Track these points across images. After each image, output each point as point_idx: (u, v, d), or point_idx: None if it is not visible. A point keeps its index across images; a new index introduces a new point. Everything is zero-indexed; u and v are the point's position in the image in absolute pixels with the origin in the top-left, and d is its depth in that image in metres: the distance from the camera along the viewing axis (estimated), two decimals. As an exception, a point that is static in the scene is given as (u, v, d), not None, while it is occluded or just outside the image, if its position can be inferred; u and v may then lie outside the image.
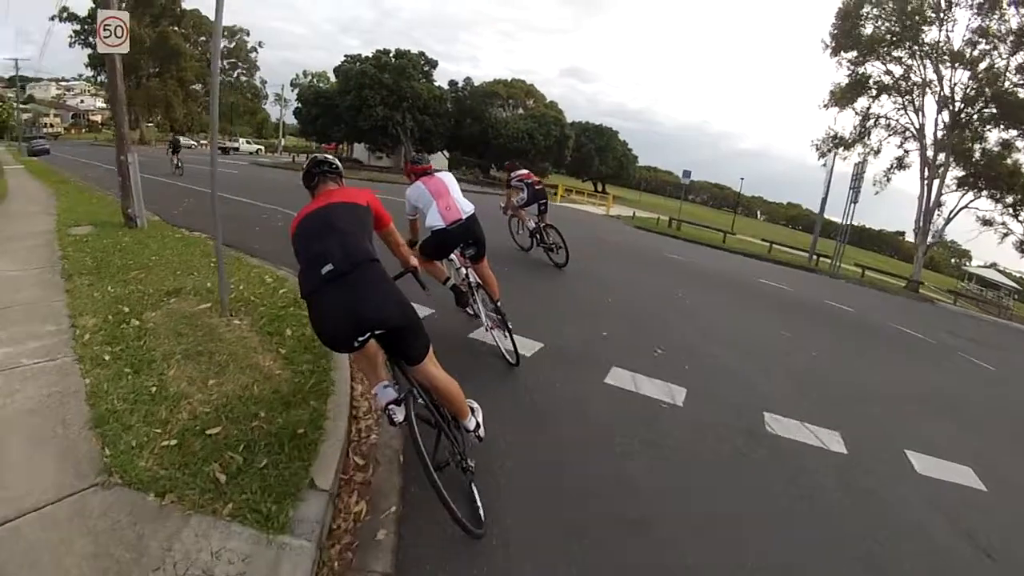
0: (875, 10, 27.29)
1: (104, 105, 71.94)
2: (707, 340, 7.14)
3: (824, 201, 27.57)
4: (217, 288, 5.26)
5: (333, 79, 46.97)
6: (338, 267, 2.45)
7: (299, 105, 46.36)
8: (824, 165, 28.40)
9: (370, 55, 42.96)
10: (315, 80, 46.74)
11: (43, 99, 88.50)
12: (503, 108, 47.91)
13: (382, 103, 39.51)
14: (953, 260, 68.17)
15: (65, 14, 54.38)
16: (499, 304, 4.73)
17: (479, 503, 2.86)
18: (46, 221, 9.80)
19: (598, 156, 57.04)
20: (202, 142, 60.10)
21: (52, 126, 77.15)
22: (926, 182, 27.74)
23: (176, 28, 59.37)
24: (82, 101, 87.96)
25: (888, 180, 29.63)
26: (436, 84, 44.31)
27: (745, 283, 13.99)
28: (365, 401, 3.95)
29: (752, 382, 5.88)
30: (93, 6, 52.16)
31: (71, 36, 55.59)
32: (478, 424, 3.05)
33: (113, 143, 10.46)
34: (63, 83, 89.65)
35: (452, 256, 4.86)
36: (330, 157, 3.10)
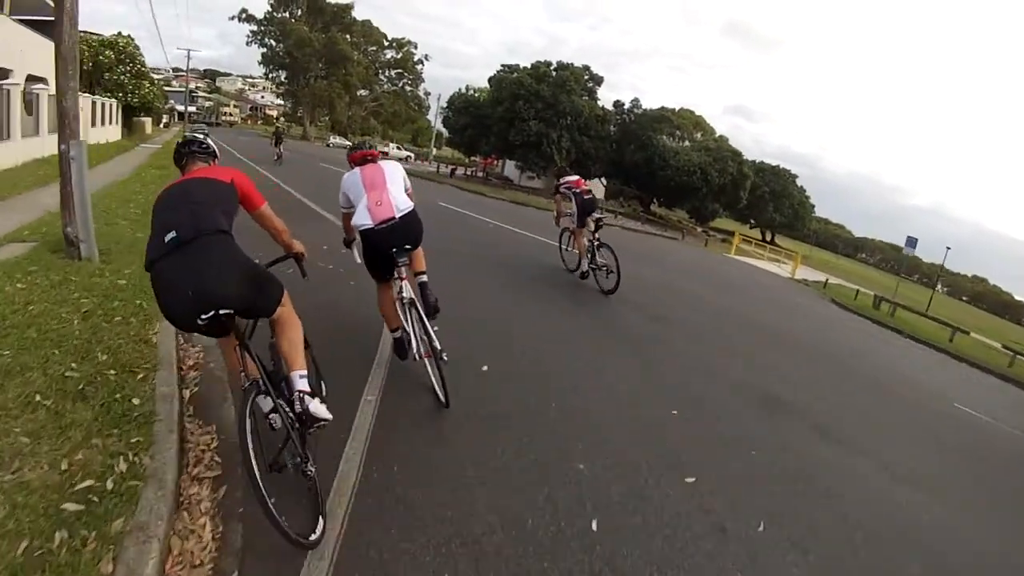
0: None
1: (280, 101, 76.72)
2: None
3: None
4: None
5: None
6: (181, 235, 2.30)
7: (449, 113, 43.46)
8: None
9: (528, 66, 38.94)
10: (475, 93, 43.23)
11: (228, 91, 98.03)
12: (671, 137, 41.94)
13: (537, 117, 35.14)
14: None
15: (244, 15, 58.73)
16: (426, 284, 4.12)
17: (323, 513, 2.53)
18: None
19: (772, 202, 49.13)
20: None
21: (231, 115, 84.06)
22: None
23: (347, 36, 61.50)
24: (262, 96, 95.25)
25: None
26: (599, 103, 39.34)
27: None
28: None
29: None
30: (269, 9, 58.92)
31: (248, 36, 59.91)
32: (309, 393, 2.53)
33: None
34: (249, 79, 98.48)
35: (397, 272, 3.86)
36: (200, 137, 3.01)
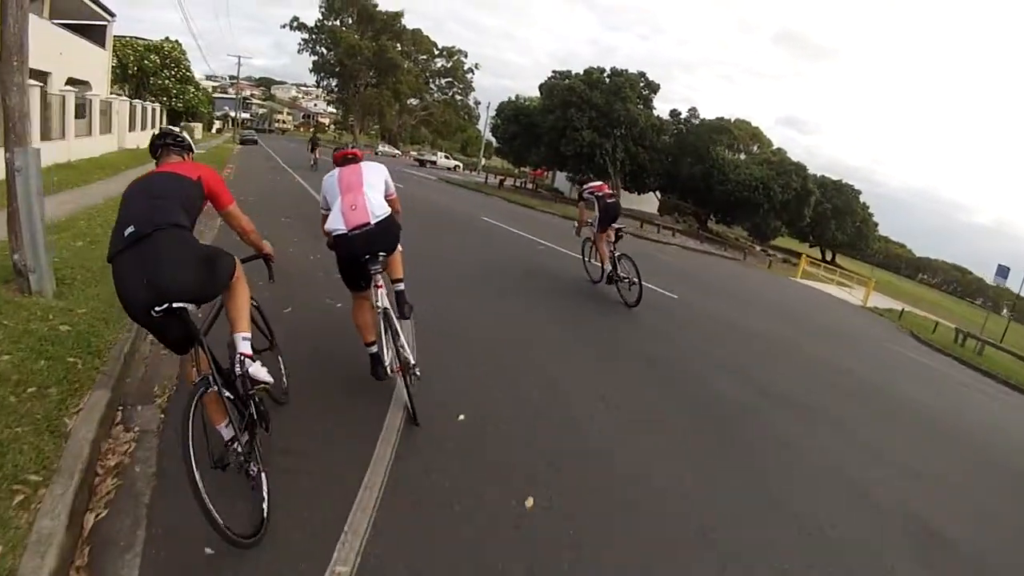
0: None
1: (332, 109, 77.65)
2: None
3: None
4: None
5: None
6: (138, 229, 2.34)
7: (498, 121, 41.83)
8: None
9: (581, 72, 36.67)
10: (525, 102, 41.63)
11: (282, 99, 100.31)
12: (729, 149, 39.40)
13: (590, 126, 33.14)
14: None
15: (296, 23, 59.37)
16: (402, 293, 3.95)
17: (265, 507, 2.52)
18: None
19: (835, 219, 45.75)
20: (411, 152, 62.11)
21: (284, 122, 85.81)
22: None
23: (397, 44, 61.44)
24: (315, 104, 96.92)
25: None
26: (655, 112, 37.19)
27: None
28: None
29: None
30: (320, 17, 59.22)
31: (300, 44, 60.51)
32: (250, 356, 2.55)
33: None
34: (302, 87, 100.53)
35: (373, 283, 3.61)
36: (176, 130, 3.05)
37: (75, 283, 5.00)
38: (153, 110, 25.31)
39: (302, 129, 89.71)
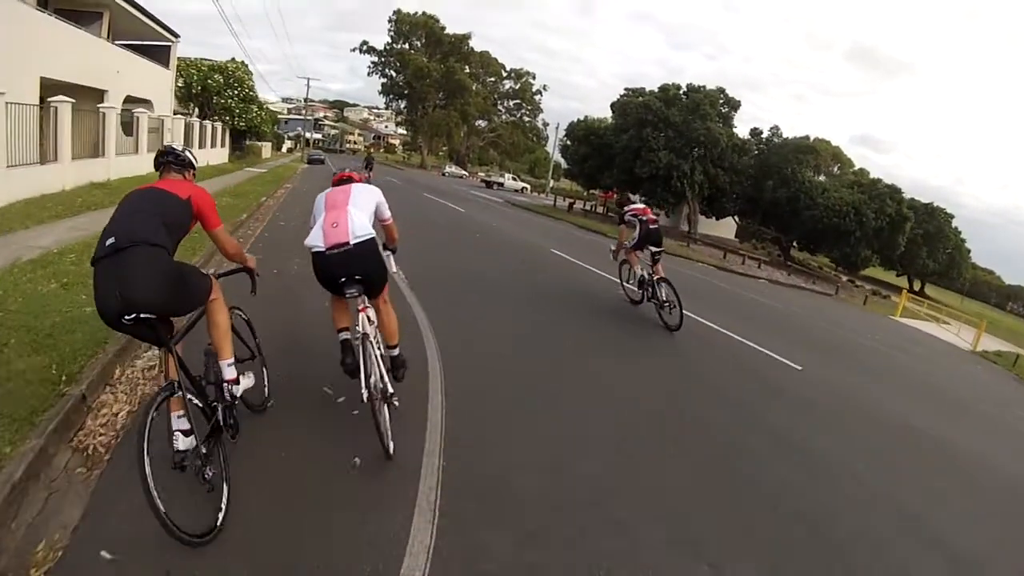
0: None
1: (403, 131, 78.86)
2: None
3: None
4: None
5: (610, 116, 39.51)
6: (117, 242, 2.44)
7: (568, 142, 39.83)
8: None
9: (655, 89, 34.24)
10: (596, 123, 39.64)
11: (354, 121, 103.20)
12: (814, 171, 35.78)
13: (666, 146, 30.60)
14: None
15: (365, 47, 60.85)
16: (397, 357, 3.87)
17: (222, 507, 2.56)
18: None
19: (926, 246, 40.70)
20: (478, 174, 61.82)
21: (355, 143, 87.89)
22: None
23: (465, 67, 61.64)
24: (385, 126, 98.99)
25: None
26: (735, 130, 34.25)
27: None
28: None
29: None
30: (389, 40, 60.82)
31: (369, 67, 62.16)
32: (234, 381, 2.94)
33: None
34: (374, 110, 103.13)
35: (356, 306, 3.52)
36: (176, 147, 3.08)
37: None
38: (214, 128, 25.08)
39: (371, 149, 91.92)
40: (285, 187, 21.74)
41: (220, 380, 2.88)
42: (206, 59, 27.55)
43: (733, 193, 33.09)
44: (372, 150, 32.41)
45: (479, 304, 7.43)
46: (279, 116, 79.65)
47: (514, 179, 57.59)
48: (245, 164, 28.25)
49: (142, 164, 15.00)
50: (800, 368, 7.58)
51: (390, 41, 60.55)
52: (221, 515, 2.53)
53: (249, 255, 3.37)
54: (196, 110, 27.51)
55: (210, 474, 2.54)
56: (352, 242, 3.29)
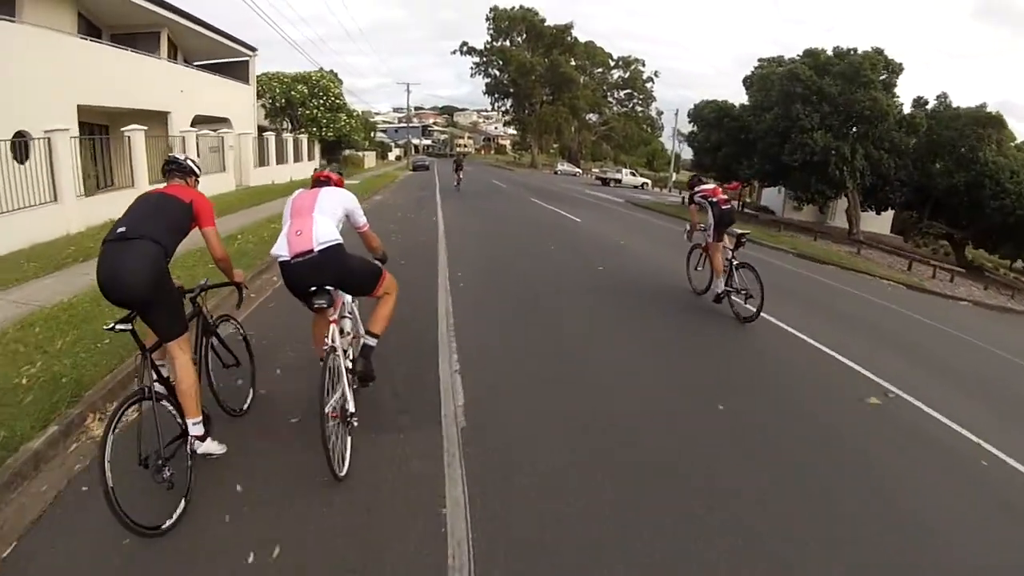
0: None
1: (512, 131, 77.32)
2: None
3: None
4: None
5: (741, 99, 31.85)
6: (126, 231, 2.74)
7: (694, 128, 32.82)
8: None
9: (797, 56, 27.05)
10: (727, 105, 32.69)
11: (463, 125, 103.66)
12: (996, 148, 27.73)
13: (822, 125, 24.08)
14: None
15: (465, 48, 59.29)
16: (370, 348, 3.61)
17: (179, 507, 2.71)
18: None
19: None
20: (592, 170, 57.72)
21: (464, 146, 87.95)
22: None
23: (570, 59, 58.25)
24: (495, 127, 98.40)
25: None
26: (899, 103, 27.20)
27: None
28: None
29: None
30: (488, 39, 58.80)
31: (472, 68, 60.52)
32: (202, 437, 2.99)
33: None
34: (483, 112, 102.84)
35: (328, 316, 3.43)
36: (179, 156, 3.32)
37: None
38: (297, 141, 23.82)
39: (483, 152, 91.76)
40: (378, 196, 19.83)
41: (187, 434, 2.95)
42: (285, 73, 26.46)
43: (896, 180, 26.60)
44: (460, 153, 31.94)
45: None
46: (387, 125, 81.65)
47: (632, 174, 51.03)
48: (338, 177, 26.96)
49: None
50: None
51: (490, 40, 58.51)
52: (177, 513, 2.69)
53: (237, 269, 3.54)
54: (288, 124, 26.65)
55: (168, 474, 2.66)
56: (316, 249, 3.23)
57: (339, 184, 3.82)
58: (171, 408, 2.85)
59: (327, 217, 3.38)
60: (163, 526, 2.57)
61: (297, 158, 22.92)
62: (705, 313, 7.26)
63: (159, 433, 2.65)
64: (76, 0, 13.72)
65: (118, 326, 2.60)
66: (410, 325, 5.28)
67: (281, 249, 3.25)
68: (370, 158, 40.60)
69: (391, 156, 61.95)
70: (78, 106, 12.03)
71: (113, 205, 10.13)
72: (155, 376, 2.80)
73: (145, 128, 11.50)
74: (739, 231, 7.23)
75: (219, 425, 3.26)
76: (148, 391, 2.69)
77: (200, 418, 2.96)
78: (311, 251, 3.19)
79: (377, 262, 3.92)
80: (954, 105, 27.86)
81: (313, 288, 3.25)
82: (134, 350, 2.93)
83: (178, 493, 2.70)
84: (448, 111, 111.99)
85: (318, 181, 3.76)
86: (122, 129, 11.30)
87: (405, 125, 72.50)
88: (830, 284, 11.90)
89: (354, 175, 29.50)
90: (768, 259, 13.97)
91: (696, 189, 7.70)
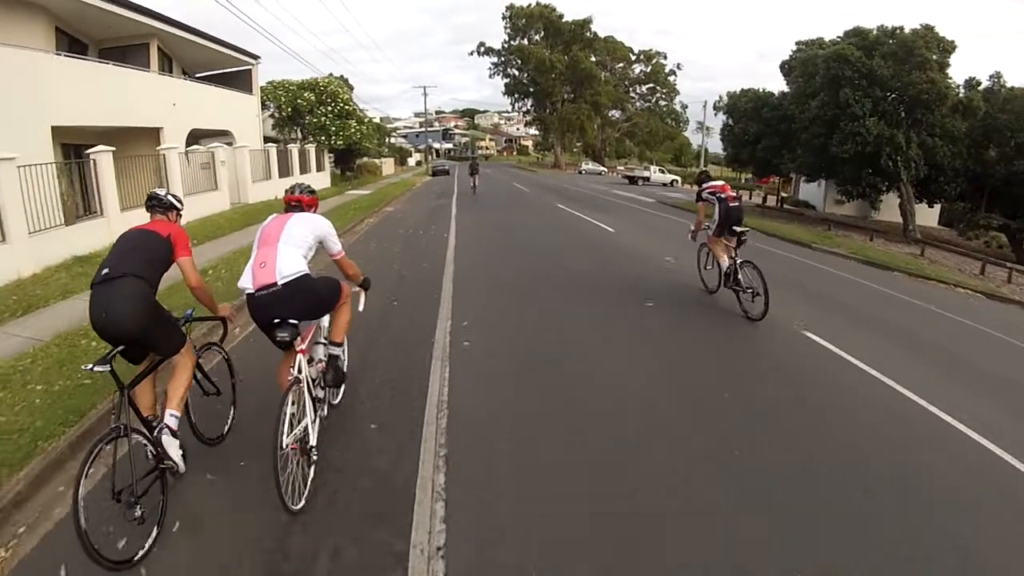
0: None
1: (534, 131, 75.95)
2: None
3: None
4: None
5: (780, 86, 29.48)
6: (110, 272, 2.85)
7: (728, 120, 30.28)
8: None
9: (839, 37, 24.44)
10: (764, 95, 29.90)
11: (484, 127, 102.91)
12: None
13: (874, 111, 21.72)
14: None
15: (483, 48, 58.02)
16: (336, 359, 3.68)
17: (147, 545, 2.70)
18: None
19: None
20: (618, 168, 56.16)
21: (486, 148, 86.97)
22: None
23: (590, 55, 56.58)
24: (516, 128, 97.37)
25: None
26: (953, 84, 24.78)
27: None
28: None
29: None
30: (506, 38, 57.34)
31: (490, 68, 59.50)
32: (172, 432, 2.98)
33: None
34: (504, 114, 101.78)
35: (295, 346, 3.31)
36: (160, 192, 3.40)
37: None
38: (304, 152, 22.64)
39: (505, 154, 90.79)
40: (388, 208, 18.64)
41: (162, 421, 3.00)
42: (291, 80, 25.43)
43: (951, 169, 24.24)
44: (476, 157, 32.08)
45: None
46: (408, 130, 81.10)
47: (661, 171, 48.22)
48: (351, 186, 25.85)
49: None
50: None
51: (507, 38, 57.08)
52: (145, 548, 2.69)
53: (223, 304, 3.59)
54: (298, 133, 25.65)
55: (139, 512, 2.65)
56: (280, 283, 3.13)
57: (312, 205, 3.68)
58: (146, 443, 2.89)
59: (293, 247, 3.27)
60: (135, 558, 2.62)
61: (304, 169, 21.72)
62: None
63: (133, 470, 2.66)
64: (52, 15, 12.77)
65: (96, 368, 2.62)
66: (374, 440, 3.87)
67: (246, 281, 3.20)
68: (388, 165, 39.59)
69: (411, 162, 61.06)
70: (56, 127, 11.08)
71: (73, 241, 9.01)
72: (134, 411, 2.87)
73: (112, 149, 10.11)
74: (739, 229, 7.28)
75: (191, 453, 3.23)
76: (124, 428, 2.71)
77: (179, 413, 3.08)
78: (274, 284, 3.11)
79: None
80: (1008, 85, 25.51)
81: (277, 320, 3.16)
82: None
83: (150, 524, 2.74)
84: (469, 114, 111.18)
85: (289, 205, 3.60)
86: (87, 152, 10.07)
87: (424, 130, 71.71)
88: (905, 300, 10.05)
89: (368, 184, 28.39)
90: (830, 269, 12.20)
91: (705, 185, 7.87)
